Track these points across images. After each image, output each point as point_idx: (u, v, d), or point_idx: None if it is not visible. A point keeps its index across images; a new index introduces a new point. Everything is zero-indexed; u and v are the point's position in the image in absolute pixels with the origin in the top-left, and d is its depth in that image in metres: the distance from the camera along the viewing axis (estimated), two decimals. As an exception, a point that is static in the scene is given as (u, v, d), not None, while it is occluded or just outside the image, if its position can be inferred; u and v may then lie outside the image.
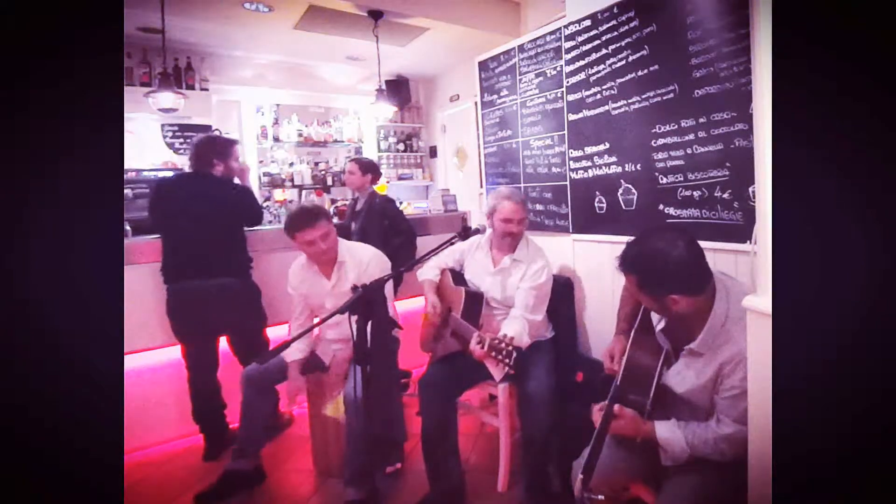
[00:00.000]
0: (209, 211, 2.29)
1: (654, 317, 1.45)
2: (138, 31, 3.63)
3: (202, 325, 2.30)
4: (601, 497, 1.10)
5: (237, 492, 2.01)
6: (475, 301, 1.99)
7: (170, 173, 4.03)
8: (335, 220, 3.07)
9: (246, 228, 2.46)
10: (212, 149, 2.39)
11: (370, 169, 3.12)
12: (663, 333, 1.38)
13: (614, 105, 2.17)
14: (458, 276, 2.17)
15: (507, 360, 1.59)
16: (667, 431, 1.28)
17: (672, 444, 1.26)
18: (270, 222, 3.34)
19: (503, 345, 1.59)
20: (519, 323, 1.91)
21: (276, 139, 4.94)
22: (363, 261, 2.10)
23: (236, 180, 2.50)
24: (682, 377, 1.31)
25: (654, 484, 1.37)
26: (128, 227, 2.69)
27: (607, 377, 1.51)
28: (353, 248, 2.17)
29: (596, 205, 2.32)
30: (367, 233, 2.89)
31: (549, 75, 2.52)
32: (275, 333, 2.54)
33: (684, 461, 1.27)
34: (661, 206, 2.01)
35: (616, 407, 1.29)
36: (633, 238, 1.33)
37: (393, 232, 2.94)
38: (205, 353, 2.36)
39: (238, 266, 2.37)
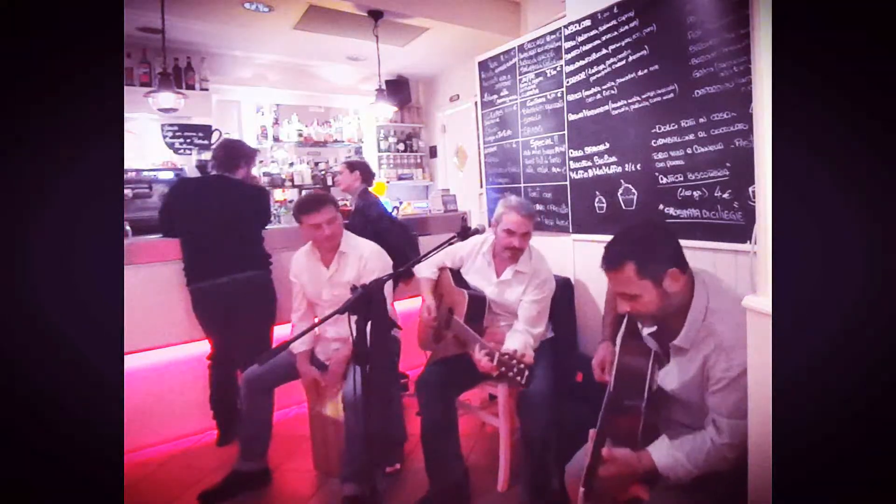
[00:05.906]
0: (236, 211, 2.38)
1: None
2: (138, 31, 3.62)
3: (227, 318, 2.35)
4: None
5: (242, 492, 2.02)
6: (478, 305, 1.96)
7: (170, 174, 4.04)
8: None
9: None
10: (242, 152, 2.51)
11: (357, 167, 3.06)
12: (651, 337, 1.38)
13: (614, 105, 2.17)
14: (458, 277, 2.13)
15: (518, 378, 1.57)
16: (665, 457, 1.24)
17: (675, 469, 1.23)
18: (271, 223, 3.34)
19: (514, 361, 1.58)
20: (523, 337, 1.88)
21: (276, 139, 4.93)
22: (363, 255, 2.12)
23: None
24: (672, 375, 1.32)
25: (652, 482, 1.37)
26: (128, 227, 2.70)
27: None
28: (357, 242, 2.19)
29: (596, 205, 2.32)
30: (356, 232, 2.86)
31: (549, 75, 2.52)
32: (276, 333, 2.54)
33: (690, 480, 1.23)
34: (661, 206, 2.01)
35: (605, 451, 1.24)
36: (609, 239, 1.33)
37: (377, 232, 2.68)
38: (228, 344, 2.42)
39: (262, 260, 2.46)
